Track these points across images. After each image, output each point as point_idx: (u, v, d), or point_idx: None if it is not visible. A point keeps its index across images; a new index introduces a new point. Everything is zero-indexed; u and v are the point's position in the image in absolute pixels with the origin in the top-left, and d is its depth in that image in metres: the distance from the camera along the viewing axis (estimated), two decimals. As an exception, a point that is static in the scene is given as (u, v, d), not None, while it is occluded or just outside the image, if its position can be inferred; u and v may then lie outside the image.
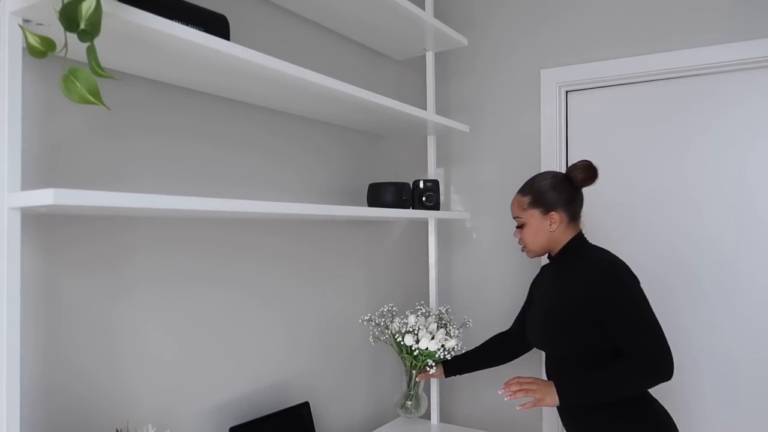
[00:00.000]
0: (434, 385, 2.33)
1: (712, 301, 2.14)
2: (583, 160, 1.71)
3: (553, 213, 1.71)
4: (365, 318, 1.98)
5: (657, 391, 2.14)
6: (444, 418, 2.62)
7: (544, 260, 2.36)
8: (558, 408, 1.71)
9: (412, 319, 1.93)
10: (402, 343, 1.90)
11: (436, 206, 2.07)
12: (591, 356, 1.61)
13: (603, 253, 1.68)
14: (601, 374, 1.54)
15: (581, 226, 1.76)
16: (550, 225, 1.71)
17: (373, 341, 2.01)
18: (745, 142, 2.09)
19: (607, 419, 1.59)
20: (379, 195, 1.93)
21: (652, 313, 1.57)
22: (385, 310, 2.00)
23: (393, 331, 1.93)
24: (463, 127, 2.21)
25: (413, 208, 2.02)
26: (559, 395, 1.56)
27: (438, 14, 2.61)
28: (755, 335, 2.07)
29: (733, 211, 2.11)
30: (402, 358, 1.97)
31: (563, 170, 2.39)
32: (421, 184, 2.05)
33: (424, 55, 2.42)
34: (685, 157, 2.19)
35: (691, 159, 2.18)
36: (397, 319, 1.96)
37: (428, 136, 2.36)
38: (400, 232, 2.44)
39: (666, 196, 2.22)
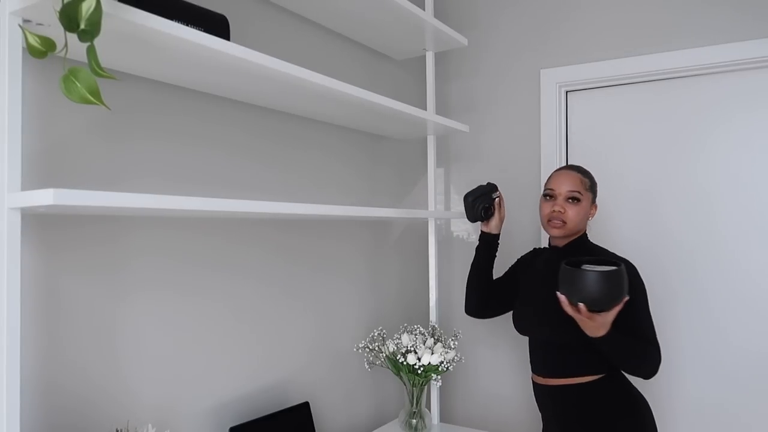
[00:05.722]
0: (434, 385, 2.33)
1: (711, 300, 2.14)
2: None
3: (595, 205, 1.82)
4: (359, 346, 1.98)
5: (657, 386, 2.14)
6: (444, 418, 2.62)
7: (535, 243, 2.36)
8: (538, 391, 1.82)
9: (405, 339, 1.93)
10: (404, 363, 1.90)
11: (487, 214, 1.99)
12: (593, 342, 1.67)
13: (608, 251, 1.79)
14: (630, 341, 1.63)
15: None
16: (591, 215, 1.81)
17: (369, 367, 2.01)
18: (746, 141, 2.09)
19: (590, 402, 1.70)
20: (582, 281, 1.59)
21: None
22: (375, 334, 2.00)
23: (388, 353, 1.94)
24: (463, 127, 2.21)
25: (474, 221, 1.99)
26: (599, 334, 1.60)
27: (438, 14, 2.61)
28: (760, 333, 2.07)
29: (733, 210, 2.11)
30: (400, 377, 1.97)
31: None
32: (471, 199, 1.97)
33: (424, 55, 2.42)
34: (684, 156, 2.19)
35: (690, 159, 2.18)
36: (389, 341, 1.96)
37: (428, 136, 2.35)
38: (400, 232, 2.44)
39: (665, 195, 2.22)
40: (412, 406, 2.01)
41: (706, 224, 2.15)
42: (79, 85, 0.92)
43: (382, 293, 2.32)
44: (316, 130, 1.99)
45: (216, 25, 1.32)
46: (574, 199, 1.75)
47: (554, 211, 1.77)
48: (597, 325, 1.57)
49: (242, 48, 1.25)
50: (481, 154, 2.56)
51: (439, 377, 1.94)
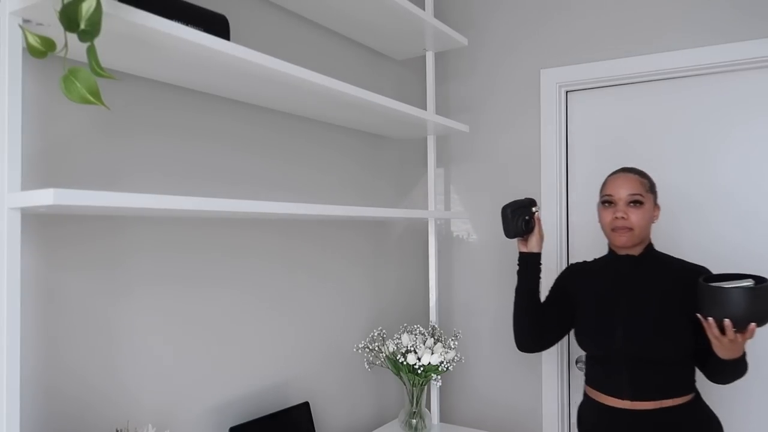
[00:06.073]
0: (434, 385, 2.33)
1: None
2: None
3: (658, 206, 1.71)
4: (359, 346, 1.99)
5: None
6: (444, 418, 2.62)
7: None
8: (613, 416, 1.65)
9: (405, 339, 1.93)
10: (404, 363, 1.90)
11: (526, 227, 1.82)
12: (692, 356, 1.60)
13: (677, 258, 1.74)
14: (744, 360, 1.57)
15: None
16: (655, 218, 1.69)
17: (369, 367, 2.01)
18: (746, 142, 2.09)
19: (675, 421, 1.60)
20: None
21: None
22: (375, 334, 2.01)
23: (388, 353, 1.94)
24: (463, 127, 2.21)
25: (514, 236, 1.80)
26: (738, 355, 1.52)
27: (438, 14, 2.61)
28: None
29: (733, 210, 2.11)
30: (400, 377, 1.98)
31: (563, 171, 2.39)
32: (510, 211, 1.80)
33: (424, 55, 2.42)
34: (684, 157, 2.19)
35: (689, 159, 2.18)
36: (389, 341, 1.96)
37: (428, 136, 2.36)
38: (400, 232, 2.44)
39: (664, 196, 2.22)
40: (412, 406, 2.01)
41: (706, 223, 2.15)
42: (79, 85, 0.92)
43: (382, 293, 2.32)
44: (316, 130, 1.99)
45: (216, 25, 1.32)
46: (636, 203, 1.63)
47: (617, 218, 1.64)
48: (743, 344, 1.46)
49: (242, 48, 1.25)
50: (481, 154, 2.56)
51: (439, 377, 1.94)
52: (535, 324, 1.79)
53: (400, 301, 2.44)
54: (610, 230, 1.67)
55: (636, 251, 1.70)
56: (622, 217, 1.63)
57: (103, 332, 1.34)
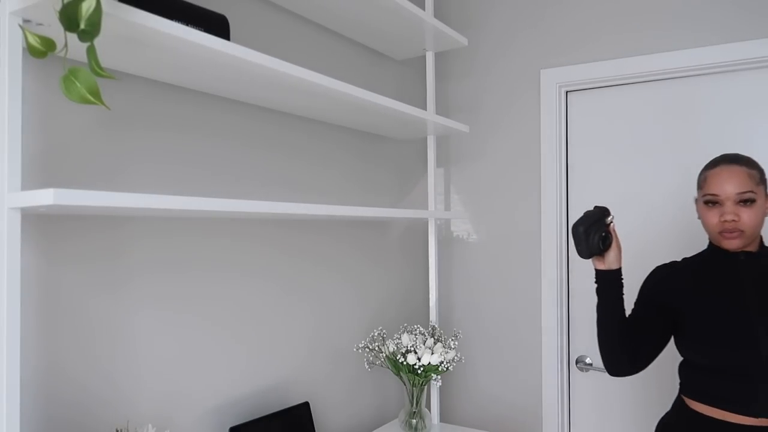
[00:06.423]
0: (434, 385, 2.34)
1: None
2: None
3: None
4: (359, 346, 1.99)
5: None
6: (444, 418, 2.62)
7: (536, 247, 2.36)
8: None
9: (405, 339, 1.93)
10: (404, 363, 1.91)
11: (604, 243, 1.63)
12: None
13: None
14: None
15: None
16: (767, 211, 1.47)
17: (369, 367, 2.01)
18: (746, 142, 2.09)
19: None
20: None
21: None
22: (375, 334, 2.01)
23: (388, 353, 1.94)
24: (463, 127, 2.21)
25: (590, 256, 1.60)
26: None
27: (438, 14, 2.61)
28: None
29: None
30: (400, 377, 1.98)
31: (564, 172, 2.39)
32: (583, 229, 1.57)
33: (424, 55, 2.42)
34: (685, 157, 2.18)
35: (690, 159, 2.18)
36: (389, 341, 1.96)
37: (428, 136, 2.36)
38: (400, 232, 2.44)
39: (665, 197, 2.22)
40: (412, 406, 2.01)
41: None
42: (79, 85, 0.92)
43: (382, 293, 2.32)
44: (316, 130, 1.99)
45: (216, 25, 1.32)
46: (747, 201, 1.41)
47: (725, 220, 1.43)
48: None
49: (242, 48, 1.25)
50: (481, 154, 2.56)
51: (439, 377, 1.94)
52: (627, 344, 1.56)
53: (401, 301, 2.44)
54: (718, 233, 1.46)
55: (752, 247, 1.50)
56: (733, 220, 1.42)
57: (103, 331, 1.35)
